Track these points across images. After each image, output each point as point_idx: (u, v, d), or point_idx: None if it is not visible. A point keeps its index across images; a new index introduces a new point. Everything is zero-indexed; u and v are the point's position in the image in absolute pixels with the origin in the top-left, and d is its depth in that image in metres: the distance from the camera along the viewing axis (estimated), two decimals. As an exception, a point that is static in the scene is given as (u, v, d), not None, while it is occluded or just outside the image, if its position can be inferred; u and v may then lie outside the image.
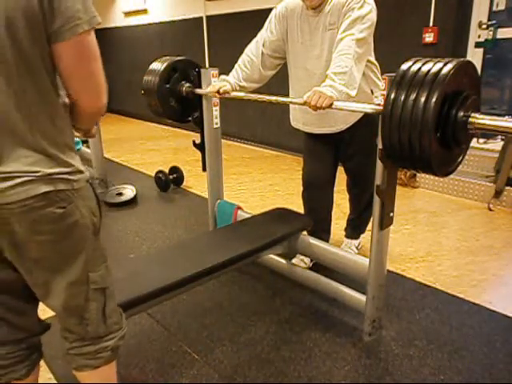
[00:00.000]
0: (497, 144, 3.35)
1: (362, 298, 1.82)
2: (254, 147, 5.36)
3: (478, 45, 3.53)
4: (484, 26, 3.46)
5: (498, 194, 3.22)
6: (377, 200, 1.61)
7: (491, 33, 3.42)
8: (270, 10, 2.10)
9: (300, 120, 2.18)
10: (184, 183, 3.89)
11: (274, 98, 1.91)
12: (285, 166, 4.52)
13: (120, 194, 3.50)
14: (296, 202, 2.89)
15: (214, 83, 2.18)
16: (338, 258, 1.96)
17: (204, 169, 2.48)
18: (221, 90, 2.04)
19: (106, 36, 6.98)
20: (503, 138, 3.24)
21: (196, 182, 3.95)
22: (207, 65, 5.53)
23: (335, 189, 2.29)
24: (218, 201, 2.53)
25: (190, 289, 1.76)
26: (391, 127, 1.35)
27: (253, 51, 2.11)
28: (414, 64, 1.34)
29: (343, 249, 2.46)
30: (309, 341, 1.82)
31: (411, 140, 1.31)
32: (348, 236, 2.56)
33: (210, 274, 1.74)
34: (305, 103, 1.70)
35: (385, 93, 1.39)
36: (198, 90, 2.28)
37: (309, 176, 2.27)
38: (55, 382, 1.60)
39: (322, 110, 1.66)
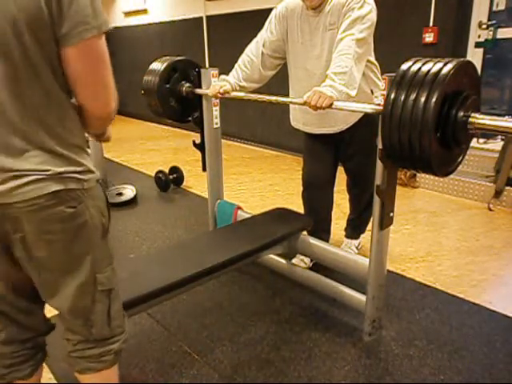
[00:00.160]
0: (497, 144, 3.35)
1: (362, 297, 1.82)
2: (254, 147, 5.36)
3: (477, 45, 3.53)
4: (484, 26, 3.45)
5: (497, 193, 3.22)
6: (377, 200, 1.61)
7: (491, 33, 3.42)
8: (270, 10, 2.10)
9: (300, 120, 2.18)
10: (184, 183, 3.89)
11: (274, 98, 1.91)
12: (285, 166, 4.52)
13: (120, 194, 3.51)
14: (296, 202, 2.89)
15: (214, 83, 2.18)
16: (338, 258, 1.96)
17: (204, 169, 2.48)
18: (221, 90, 2.04)
19: (105, 36, 6.97)
20: (503, 137, 3.24)
21: (196, 182, 3.95)
22: (207, 65, 5.54)
23: (335, 189, 2.29)
24: (218, 201, 2.53)
25: (190, 289, 1.76)
26: (391, 127, 1.35)
27: (253, 51, 2.11)
28: (413, 64, 1.34)
29: (343, 249, 2.46)
30: (309, 341, 1.82)
31: (411, 140, 1.31)
32: (348, 236, 2.56)
33: (210, 274, 1.74)
34: (305, 103, 1.70)
35: (385, 93, 1.39)
36: (198, 90, 2.28)
37: (309, 176, 2.27)
38: (55, 382, 1.60)
39: (322, 110, 1.66)
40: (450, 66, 1.27)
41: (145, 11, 6.58)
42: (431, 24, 3.52)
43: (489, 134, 2.92)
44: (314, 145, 2.23)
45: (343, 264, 1.93)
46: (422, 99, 1.26)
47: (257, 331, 1.88)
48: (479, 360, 1.70)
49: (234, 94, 2.08)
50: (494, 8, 3.42)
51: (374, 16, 1.79)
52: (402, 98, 1.30)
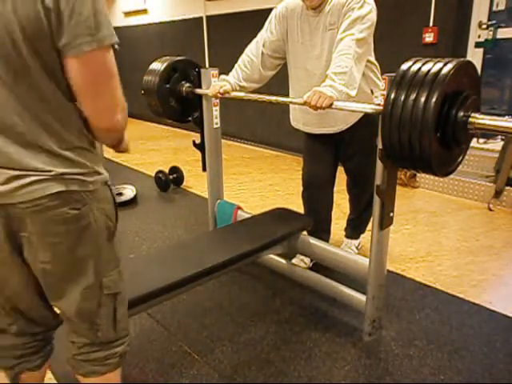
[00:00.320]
0: (497, 144, 3.35)
1: (362, 297, 1.82)
2: (254, 147, 5.36)
3: (477, 45, 3.53)
4: (484, 26, 3.46)
5: (497, 193, 3.22)
6: (377, 200, 1.61)
7: (491, 33, 3.42)
8: (270, 10, 2.10)
9: (300, 120, 2.18)
10: (184, 183, 3.89)
11: (274, 98, 1.91)
12: (285, 166, 4.52)
13: (120, 194, 3.50)
14: (296, 202, 2.89)
15: (213, 83, 2.18)
16: (338, 258, 1.96)
17: (204, 169, 2.48)
18: (221, 90, 2.04)
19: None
20: (503, 137, 3.24)
21: (196, 182, 3.95)
22: (207, 65, 5.54)
23: (335, 189, 2.29)
24: (218, 201, 2.53)
25: (190, 289, 1.76)
26: (391, 127, 1.35)
27: (253, 51, 2.11)
28: (413, 64, 1.34)
29: (343, 249, 2.46)
30: (309, 341, 1.82)
31: (411, 140, 1.31)
32: (348, 236, 2.56)
33: (210, 274, 1.74)
34: (305, 103, 1.70)
35: (385, 93, 1.39)
36: (198, 90, 2.28)
37: (309, 176, 2.27)
38: (55, 382, 1.60)
39: (322, 109, 1.66)
40: (449, 66, 1.27)
41: (145, 11, 6.58)
42: (431, 24, 3.52)
43: (489, 133, 2.92)
44: (314, 145, 2.23)
45: (343, 264, 1.93)
46: (422, 99, 1.26)
47: (257, 331, 1.88)
48: (479, 360, 1.70)
49: (233, 94, 2.08)
50: (494, 8, 3.42)
51: (374, 16, 1.79)
52: (402, 97, 1.30)
